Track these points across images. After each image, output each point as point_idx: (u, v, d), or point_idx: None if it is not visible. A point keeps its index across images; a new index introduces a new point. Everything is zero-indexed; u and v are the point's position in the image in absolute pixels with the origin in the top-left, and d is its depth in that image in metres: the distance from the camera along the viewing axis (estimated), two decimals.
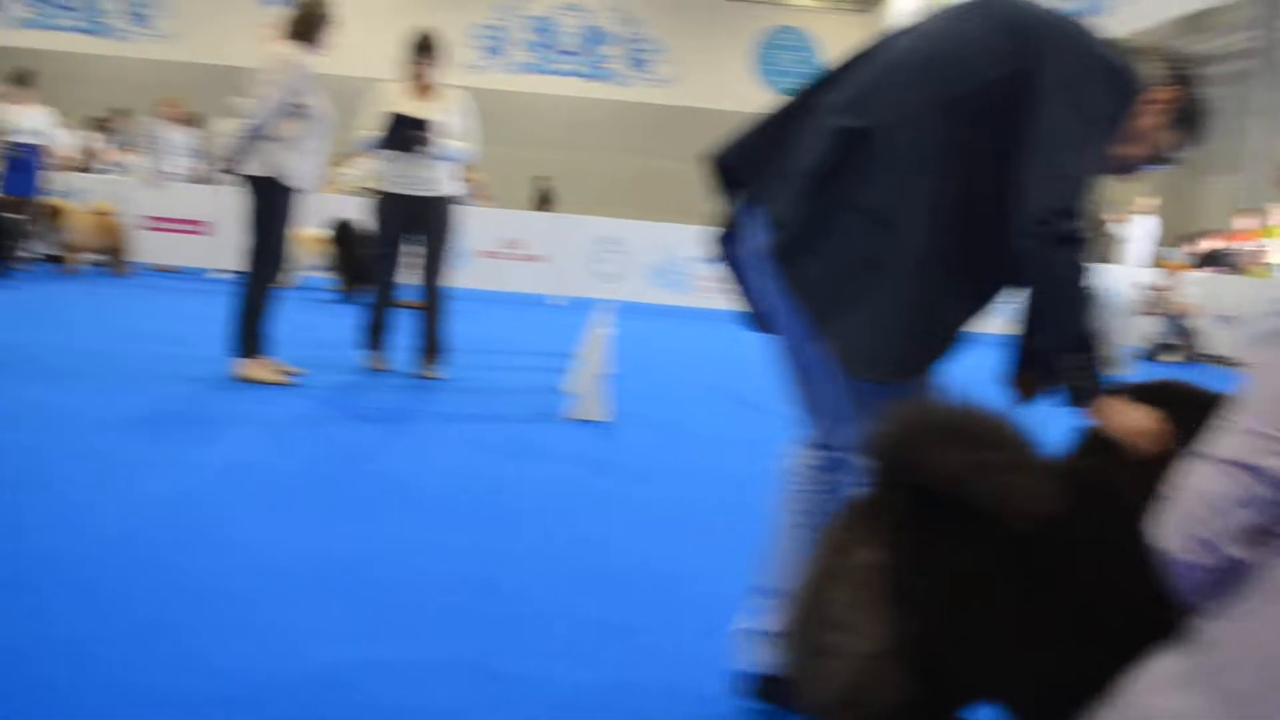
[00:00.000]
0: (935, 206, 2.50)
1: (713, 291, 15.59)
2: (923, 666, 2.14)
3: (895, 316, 2.50)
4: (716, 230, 2.85)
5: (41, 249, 13.69)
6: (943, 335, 2.56)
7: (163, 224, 14.64)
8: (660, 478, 5.64)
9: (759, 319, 2.88)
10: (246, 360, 7.19)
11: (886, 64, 2.65)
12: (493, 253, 14.51)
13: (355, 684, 2.94)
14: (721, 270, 2.88)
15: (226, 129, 14.58)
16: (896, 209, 2.51)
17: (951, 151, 2.51)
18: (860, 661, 2.17)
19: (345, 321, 10.90)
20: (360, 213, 12.91)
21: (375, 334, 8.08)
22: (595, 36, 24.76)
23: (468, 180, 19.22)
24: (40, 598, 3.32)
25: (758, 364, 10.59)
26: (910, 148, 2.52)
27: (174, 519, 4.23)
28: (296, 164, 7.08)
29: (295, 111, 7.05)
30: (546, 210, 19.43)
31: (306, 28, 7.22)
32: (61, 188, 13.86)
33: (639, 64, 24.89)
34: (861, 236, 2.53)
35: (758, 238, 2.69)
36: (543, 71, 24.68)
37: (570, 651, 3.28)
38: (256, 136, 7.01)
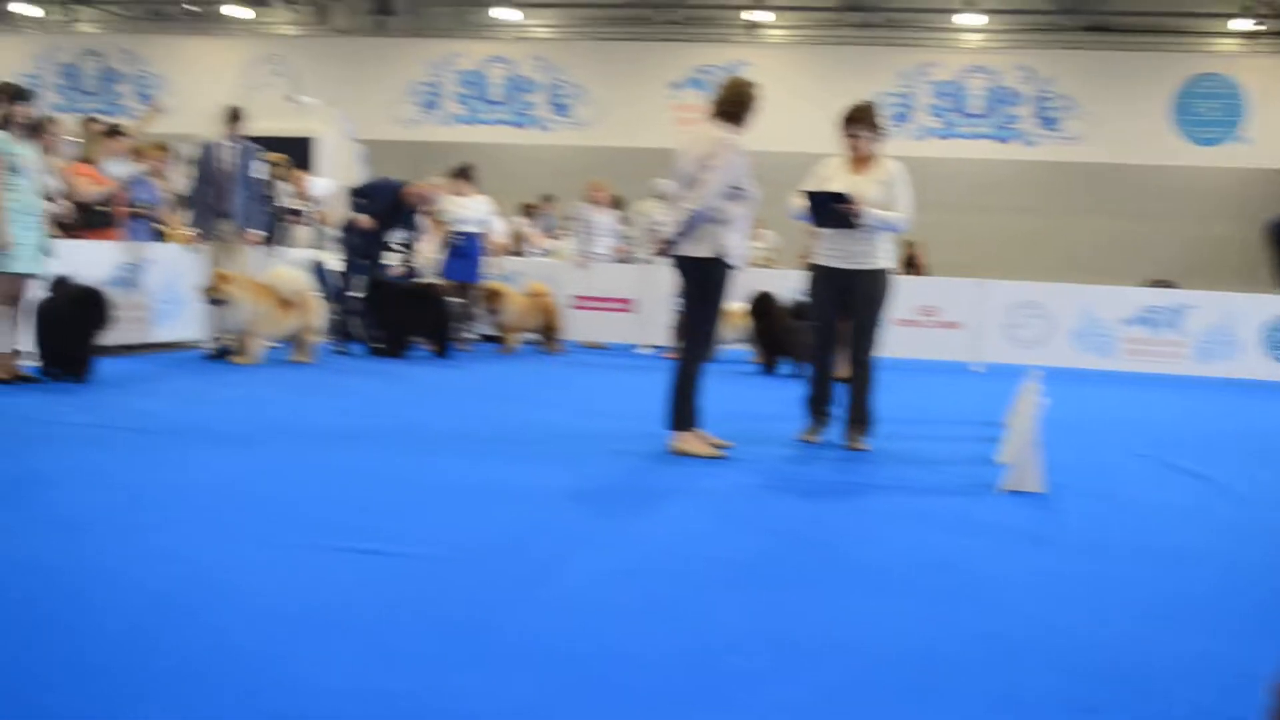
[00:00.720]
0: None
1: (1137, 354, 15.02)
2: None
3: None
4: None
5: (480, 330, 14.62)
6: None
7: (589, 303, 15.37)
8: (1106, 552, 5.45)
9: None
10: (682, 434, 7.42)
11: None
12: (911, 321, 14.46)
13: None
14: None
15: (648, 210, 15.21)
16: None
17: None
18: None
19: (766, 394, 11.11)
20: (775, 285, 13.19)
21: (815, 406, 8.17)
22: (1003, 97, 24.37)
23: (911, 252, 19.18)
24: (496, 673, 3.54)
25: (1189, 429, 10.04)
26: None
27: (628, 593, 4.41)
28: (736, 243, 7.30)
29: (735, 193, 7.27)
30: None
31: (735, 108, 7.35)
32: (497, 272, 14.78)
33: (1049, 122, 24.31)
34: None
35: None
36: (948, 135, 24.48)
37: None
38: (702, 220, 7.25)
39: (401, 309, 12.98)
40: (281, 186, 13.61)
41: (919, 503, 6.42)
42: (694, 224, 7.21)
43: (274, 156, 13.19)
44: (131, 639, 3.57)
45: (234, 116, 11.99)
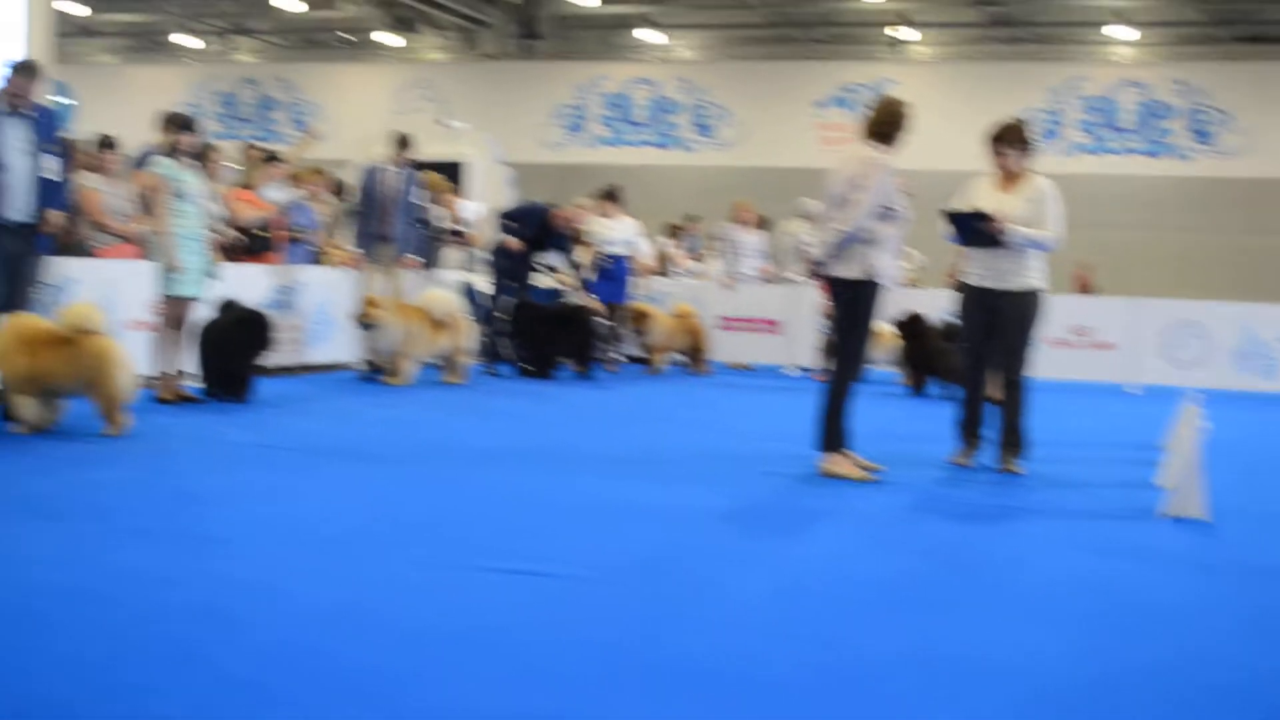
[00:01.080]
0: None
1: None
2: None
3: None
4: None
5: (627, 351, 14.69)
6: None
7: (735, 323, 15.36)
8: (1274, 580, 5.29)
9: None
10: (831, 455, 7.37)
11: None
12: (1063, 341, 14.15)
13: None
14: None
15: (794, 230, 15.16)
16: None
17: None
18: None
19: (916, 416, 10.98)
20: (925, 305, 13.04)
21: (967, 429, 8.06)
22: (1156, 111, 23.84)
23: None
24: (643, 693, 3.54)
25: None
26: None
27: (777, 614, 4.40)
28: (886, 263, 7.25)
29: (885, 214, 7.22)
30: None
31: (886, 127, 7.29)
32: (644, 293, 14.85)
33: (1203, 136, 23.69)
34: None
35: None
36: (1099, 151, 24.00)
37: None
38: (853, 240, 7.20)
39: (548, 330, 13.11)
40: (435, 210, 13.82)
41: (1075, 527, 6.30)
42: (844, 245, 7.18)
43: (431, 176, 13.43)
44: (282, 656, 3.65)
45: (402, 143, 12.25)
